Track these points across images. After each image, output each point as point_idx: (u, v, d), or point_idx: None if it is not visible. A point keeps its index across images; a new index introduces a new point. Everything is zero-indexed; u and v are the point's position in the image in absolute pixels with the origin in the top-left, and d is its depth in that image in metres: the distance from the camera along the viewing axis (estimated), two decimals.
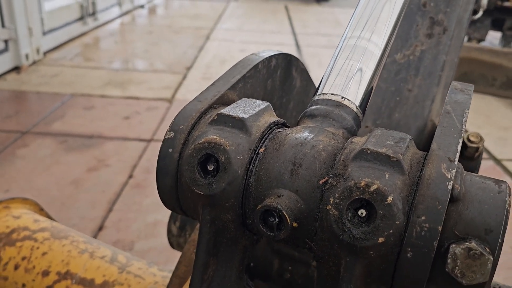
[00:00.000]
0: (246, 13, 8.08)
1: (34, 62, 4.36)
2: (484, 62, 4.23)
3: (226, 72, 0.57)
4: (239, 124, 0.46)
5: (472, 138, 0.74)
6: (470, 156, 0.75)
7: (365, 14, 0.59)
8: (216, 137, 0.45)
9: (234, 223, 0.47)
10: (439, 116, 0.82)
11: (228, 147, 0.44)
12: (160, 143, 0.49)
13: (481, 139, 0.74)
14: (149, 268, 0.87)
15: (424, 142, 0.77)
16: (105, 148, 2.99)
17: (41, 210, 1.08)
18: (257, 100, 0.51)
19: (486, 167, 2.99)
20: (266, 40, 6.01)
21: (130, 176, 2.67)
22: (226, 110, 0.48)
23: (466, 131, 0.75)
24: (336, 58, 0.56)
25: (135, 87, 4.01)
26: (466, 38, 4.51)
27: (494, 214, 0.38)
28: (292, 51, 5.50)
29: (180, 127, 0.48)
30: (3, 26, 3.94)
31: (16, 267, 0.89)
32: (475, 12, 1.25)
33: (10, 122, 3.22)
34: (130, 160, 2.86)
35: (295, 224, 0.42)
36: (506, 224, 0.37)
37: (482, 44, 4.50)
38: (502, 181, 0.41)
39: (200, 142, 0.45)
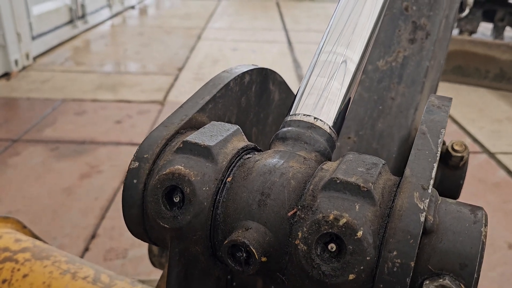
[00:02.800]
0: (237, 11, 8.03)
1: (24, 68, 4.32)
2: (478, 54, 4.21)
3: (196, 93, 0.55)
4: (205, 152, 0.44)
5: (456, 147, 0.72)
6: (455, 165, 0.73)
7: (338, 27, 0.57)
8: (181, 167, 0.43)
9: (204, 256, 0.45)
10: None
11: (193, 178, 0.42)
12: None
13: (466, 147, 0.72)
14: None
15: (408, 152, 0.75)
16: (97, 153, 2.96)
17: (23, 228, 1.06)
18: (226, 124, 0.49)
19: (480, 161, 2.98)
20: (258, 38, 5.97)
21: (123, 182, 2.64)
22: (192, 137, 0.45)
23: (444, 143, 0.73)
24: (309, 75, 0.54)
25: (126, 90, 3.98)
26: (457, 31, 4.50)
27: (469, 247, 0.36)
28: (284, 48, 5.47)
29: (145, 156, 0.46)
30: None
31: None
32: (461, 10, 1.23)
33: (0, 130, 3.19)
34: (123, 165, 2.83)
35: (264, 259, 0.40)
36: (481, 257, 0.36)
37: (474, 36, 4.48)
38: (479, 207, 0.39)
39: (164, 173, 0.43)
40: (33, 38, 4.52)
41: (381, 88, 0.80)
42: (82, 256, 2.09)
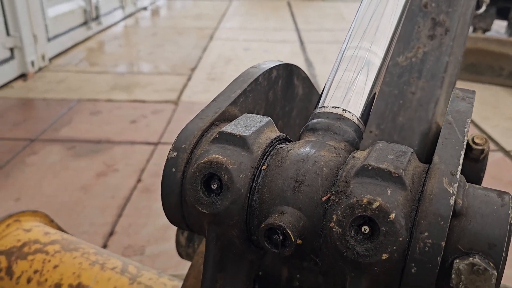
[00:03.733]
0: (248, 11, 8.06)
1: (40, 69, 4.39)
2: (492, 52, 4.19)
3: (227, 87, 0.57)
4: (240, 142, 0.47)
5: (477, 140, 0.73)
6: (476, 158, 0.75)
7: (363, 23, 0.59)
8: (218, 156, 0.46)
9: (240, 239, 0.47)
10: (443, 118, 0.82)
11: (230, 166, 0.45)
12: (167, 146, 0.49)
13: (486, 141, 0.74)
14: (159, 278, 0.88)
15: (429, 145, 0.77)
16: (113, 152, 3.01)
17: (51, 222, 1.09)
18: (259, 116, 0.51)
19: (495, 159, 2.97)
20: (270, 37, 6.00)
21: (139, 180, 2.68)
22: (228, 128, 0.48)
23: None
24: (336, 70, 0.56)
25: (140, 90, 4.02)
26: (471, 29, 4.47)
27: (497, 228, 0.38)
28: (296, 48, 5.49)
29: (183, 146, 0.49)
30: (8, 34, 3.97)
31: (29, 281, 0.90)
32: (478, 7, 1.24)
33: (18, 130, 3.25)
34: (138, 164, 2.87)
35: (299, 241, 0.43)
36: (509, 237, 0.37)
37: (488, 34, 4.45)
38: (505, 192, 0.41)
39: (202, 161, 0.46)
40: (49, 39, 4.60)
41: (401, 83, 0.82)
42: None
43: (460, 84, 4.05)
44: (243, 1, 9.06)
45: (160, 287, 0.84)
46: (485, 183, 2.50)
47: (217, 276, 0.50)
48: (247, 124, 0.49)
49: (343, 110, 0.52)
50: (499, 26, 5.22)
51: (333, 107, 0.53)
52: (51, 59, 4.66)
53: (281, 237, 0.42)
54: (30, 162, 2.85)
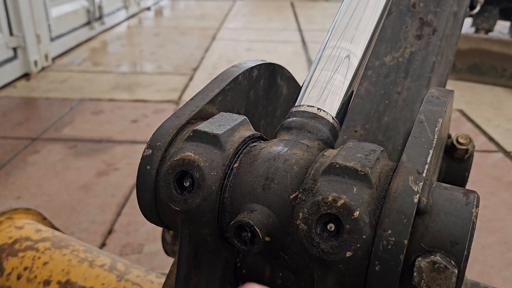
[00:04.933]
0: (252, 12, 8.07)
1: (43, 69, 4.42)
2: (494, 53, 4.17)
3: (206, 86, 0.58)
4: (213, 140, 0.47)
5: (461, 140, 0.73)
6: (460, 158, 0.75)
7: (342, 23, 0.59)
8: (190, 154, 0.46)
9: (213, 237, 0.48)
10: None
11: (202, 164, 0.45)
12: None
13: (470, 140, 0.74)
14: (147, 276, 0.89)
15: None
16: (114, 152, 3.02)
17: (44, 220, 1.10)
18: (234, 115, 0.52)
19: (495, 160, 2.96)
20: (272, 38, 6.00)
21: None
22: (202, 126, 0.48)
23: (449, 136, 0.75)
24: (314, 69, 0.56)
25: (142, 90, 4.04)
26: (473, 29, 4.46)
27: (460, 226, 0.38)
28: (299, 48, 5.49)
29: (158, 144, 0.50)
30: (11, 34, 4.00)
31: (19, 277, 0.91)
32: (472, 7, 1.24)
33: (20, 129, 3.28)
34: (138, 163, 2.88)
35: (267, 239, 0.43)
36: (472, 235, 0.38)
37: (491, 34, 4.43)
38: (472, 191, 0.41)
39: (175, 159, 0.46)
40: (52, 39, 4.62)
41: (387, 83, 0.82)
42: None
43: (461, 85, 4.03)
44: (247, 2, 9.07)
45: (147, 284, 0.84)
46: (486, 184, 2.49)
47: (192, 273, 0.50)
48: (222, 123, 0.50)
49: (318, 109, 0.53)
50: (502, 26, 5.20)
51: (308, 106, 0.53)
52: (54, 59, 4.69)
53: (249, 234, 0.42)
54: (31, 161, 2.87)
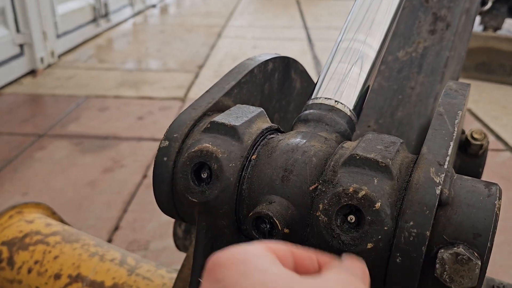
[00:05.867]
0: (257, 9, 8.06)
1: (49, 65, 4.43)
2: (503, 51, 4.14)
3: (221, 79, 0.57)
4: (231, 131, 0.47)
5: (475, 136, 0.73)
6: (474, 154, 0.74)
7: (359, 16, 0.59)
8: (208, 145, 0.46)
9: (230, 229, 0.48)
10: None
11: (220, 155, 0.45)
12: None
13: (485, 136, 0.73)
14: (157, 270, 0.89)
15: None
16: (120, 148, 3.02)
17: (53, 214, 1.11)
18: (251, 107, 0.52)
19: (504, 159, 2.94)
20: (278, 35, 5.99)
21: (145, 176, 2.70)
22: (219, 118, 0.48)
23: (463, 132, 0.74)
24: (331, 61, 0.56)
25: (148, 87, 4.04)
26: (481, 27, 4.43)
27: (482, 218, 0.38)
28: (304, 46, 5.47)
29: (175, 135, 0.49)
30: (18, 31, 4.01)
31: (29, 271, 0.91)
32: (484, 3, 1.23)
33: (27, 125, 3.29)
34: (144, 160, 2.89)
35: (286, 230, 0.43)
36: (495, 227, 0.37)
37: (499, 32, 4.40)
38: (493, 183, 0.41)
39: (193, 150, 0.46)
40: (58, 36, 4.63)
41: (400, 78, 0.82)
42: None
43: (470, 83, 4.01)
44: None
45: (157, 279, 0.84)
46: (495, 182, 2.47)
47: None
48: (239, 115, 0.49)
49: (336, 101, 0.52)
50: (510, 24, 5.17)
51: (325, 98, 0.53)
52: (60, 56, 4.70)
53: (268, 226, 0.42)
54: (38, 158, 2.88)
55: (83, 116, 3.44)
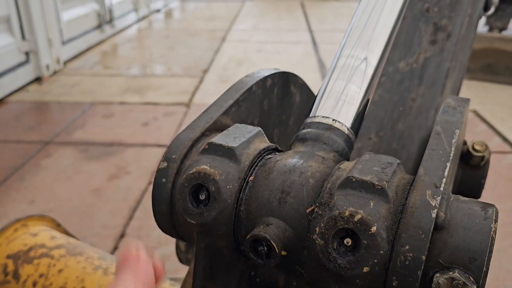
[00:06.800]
0: (261, 12, 8.07)
1: (55, 72, 4.46)
2: (508, 52, 4.12)
3: (220, 97, 0.58)
4: (229, 153, 0.47)
5: (477, 147, 0.73)
6: (476, 165, 0.74)
7: (356, 31, 0.59)
8: (206, 167, 0.46)
9: (228, 250, 0.48)
10: None
11: (218, 177, 0.45)
12: None
13: (486, 147, 0.73)
14: (161, 284, 0.89)
15: None
16: (125, 155, 3.04)
17: (58, 226, 1.11)
18: (249, 126, 0.52)
19: (511, 161, 2.92)
20: (282, 38, 5.99)
21: (150, 183, 2.71)
22: (217, 139, 0.48)
23: (465, 143, 0.74)
24: (328, 79, 0.56)
25: (153, 93, 4.06)
26: (487, 28, 4.41)
27: (478, 242, 0.37)
28: (309, 48, 5.48)
29: (173, 156, 0.50)
30: (23, 38, 4.05)
31: (34, 284, 0.92)
32: (486, 8, 1.23)
33: (33, 133, 3.31)
34: (149, 166, 2.90)
35: (284, 253, 0.43)
36: (491, 251, 0.37)
37: (504, 33, 4.38)
38: (490, 205, 0.41)
39: (191, 172, 0.46)
40: (63, 43, 4.67)
41: (401, 90, 0.82)
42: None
43: (475, 85, 3.98)
44: (256, 2, 9.07)
45: None
46: (500, 185, 2.46)
47: (208, 285, 0.51)
48: (237, 135, 0.50)
49: (333, 120, 0.52)
50: None
51: (323, 117, 0.53)
52: (65, 63, 4.74)
53: (265, 248, 0.42)
54: (44, 165, 2.90)
55: (88, 123, 3.46)
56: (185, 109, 3.72)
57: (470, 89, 4.08)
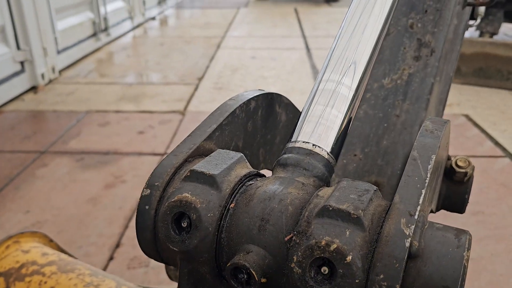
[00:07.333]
0: (256, 19, 8.10)
1: (50, 81, 4.46)
2: (499, 56, 4.15)
3: (203, 121, 0.59)
4: (210, 180, 0.48)
5: (460, 163, 0.74)
6: (460, 181, 0.75)
7: (336, 54, 0.60)
8: (188, 195, 0.47)
9: (211, 275, 0.49)
10: None
11: (199, 205, 0.46)
12: None
13: (469, 163, 0.74)
14: None
15: None
16: (121, 164, 3.04)
17: (50, 242, 1.12)
18: (231, 152, 0.53)
19: (503, 165, 2.94)
20: (277, 45, 6.02)
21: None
22: (198, 166, 0.49)
23: (449, 158, 0.75)
24: (309, 104, 0.57)
25: (148, 101, 4.07)
26: (478, 33, 4.44)
27: (451, 271, 0.38)
28: (303, 55, 5.50)
29: (156, 183, 0.51)
30: (18, 48, 4.05)
31: None
32: (472, 19, 1.25)
33: (28, 142, 3.31)
34: (145, 175, 2.90)
35: (263, 280, 0.44)
36: (463, 280, 0.38)
37: (495, 37, 4.41)
38: (464, 231, 0.42)
39: (173, 200, 0.47)
40: (58, 52, 4.68)
41: (386, 106, 0.83)
42: (107, 265, 2.16)
43: (467, 89, 4.00)
44: (251, 9, 9.10)
45: None
46: (493, 190, 2.47)
47: None
48: (218, 161, 0.51)
49: (313, 145, 0.53)
50: (508, 28, 5.18)
51: (303, 142, 0.54)
52: (61, 71, 4.74)
53: (245, 276, 0.43)
54: (40, 175, 2.90)
55: (83, 132, 3.47)
56: (180, 117, 3.73)
57: (462, 93, 4.10)
